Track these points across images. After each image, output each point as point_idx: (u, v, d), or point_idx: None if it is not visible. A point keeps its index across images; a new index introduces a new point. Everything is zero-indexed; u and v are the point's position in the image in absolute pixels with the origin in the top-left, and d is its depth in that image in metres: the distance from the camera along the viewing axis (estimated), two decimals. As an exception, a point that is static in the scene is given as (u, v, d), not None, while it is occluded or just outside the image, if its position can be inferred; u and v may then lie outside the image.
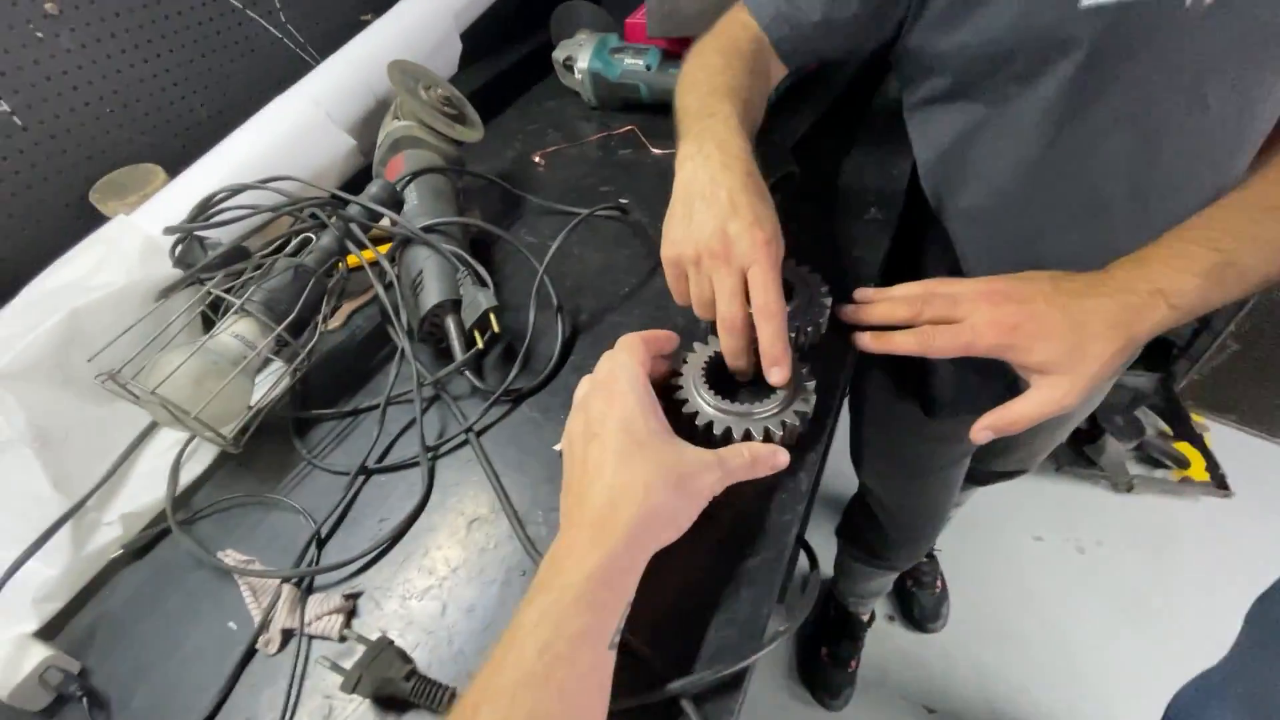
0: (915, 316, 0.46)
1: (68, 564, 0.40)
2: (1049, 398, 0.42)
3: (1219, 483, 1.48)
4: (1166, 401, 1.60)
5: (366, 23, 0.75)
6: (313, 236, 0.50)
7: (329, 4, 0.78)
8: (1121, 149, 0.50)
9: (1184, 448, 1.54)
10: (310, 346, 0.46)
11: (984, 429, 0.45)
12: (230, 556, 0.40)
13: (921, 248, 0.66)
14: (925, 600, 1.30)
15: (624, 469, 0.32)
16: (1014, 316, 0.42)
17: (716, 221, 0.40)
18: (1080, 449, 1.53)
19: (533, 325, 0.52)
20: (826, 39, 0.55)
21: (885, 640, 1.31)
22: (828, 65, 0.81)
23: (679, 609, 0.35)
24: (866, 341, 0.48)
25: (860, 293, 0.51)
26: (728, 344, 0.40)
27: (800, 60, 0.57)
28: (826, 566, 1.27)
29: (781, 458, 0.38)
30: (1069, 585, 1.36)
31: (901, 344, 0.46)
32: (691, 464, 0.34)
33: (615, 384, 0.35)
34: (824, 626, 1.28)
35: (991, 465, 0.96)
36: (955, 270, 0.62)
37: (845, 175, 0.68)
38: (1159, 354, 1.58)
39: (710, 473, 0.34)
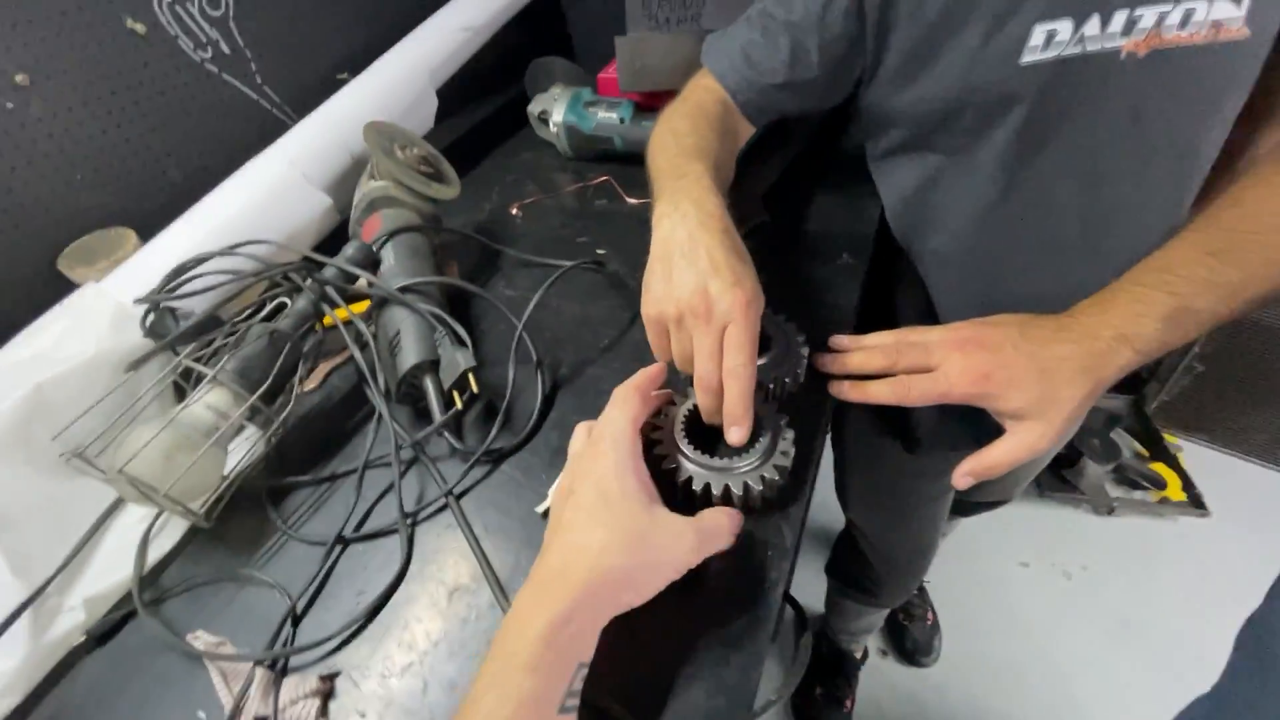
0: (891, 365, 0.47)
1: (26, 654, 0.38)
2: (1024, 442, 0.43)
3: (1196, 502, 1.50)
4: (1140, 423, 1.63)
5: (343, 82, 0.76)
6: (287, 300, 0.49)
7: (305, 65, 0.79)
8: (1071, 193, 0.52)
9: (1160, 468, 1.57)
10: (285, 413, 0.46)
11: (964, 475, 0.45)
12: (200, 638, 0.39)
13: (894, 287, 0.68)
14: (917, 633, 1.29)
15: (586, 530, 0.32)
16: (985, 365, 0.43)
17: (697, 280, 0.40)
18: (1060, 473, 1.55)
19: (512, 382, 0.51)
20: (789, 99, 0.57)
21: (879, 676, 1.29)
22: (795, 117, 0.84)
23: (664, 675, 0.35)
24: (845, 391, 0.48)
25: (835, 340, 0.51)
26: (704, 402, 0.40)
27: (766, 118, 0.59)
28: (817, 603, 1.26)
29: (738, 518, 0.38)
30: (1058, 612, 1.36)
31: (878, 394, 0.46)
32: (661, 531, 0.33)
33: (600, 441, 0.36)
34: (817, 665, 1.26)
35: (974, 496, 0.97)
36: (928, 307, 0.64)
37: (816, 222, 0.70)
38: (1130, 376, 1.62)
39: (681, 542, 0.33)
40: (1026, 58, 0.47)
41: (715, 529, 0.36)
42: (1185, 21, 0.45)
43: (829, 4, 0.52)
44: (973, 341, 0.45)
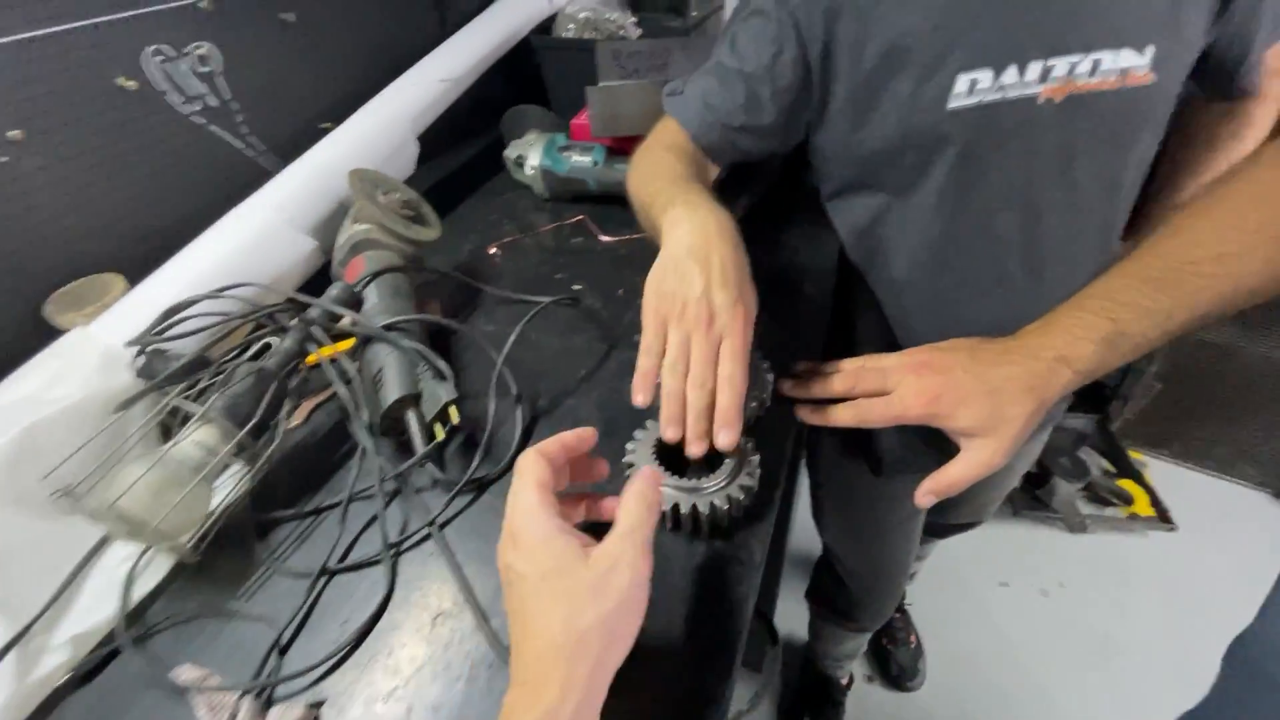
0: (850, 390, 0.50)
1: (9, 695, 0.38)
2: (977, 459, 0.46)
3: (1163, 516, 1.55)
4: (1106, 441, 1.69)
5: (326, 130, 0.79)
6: (273, 340, 0.51)
7: (290, 115, 0.82)
8: (1010, 226, 0.57)
9: (1127, 484, 1.62)
10: (271, 449, 0.47)
11: (925, 494, 0.48)
12: (186, 672, 0.40)
13: (855, 315, 0.71)
14: (902, 657, 1.30)
15: (541, 613, 0.30)
16: (936, 387, 0.46)
17: (705, 284, 0.43)
18: (1033, 493, 1.58)
19: (493, 414, 0.54)
20: (749, 141, 0.61)
21: (865, 701, 1.29)
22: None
23: (635, 692, 0.36)
24: (807, 415, 0.51)
25: (800, 365, 0.55)
26: (694, 402, 0.41)
27: (729, 159, 0.64)
28: (802, 629, 1.27)
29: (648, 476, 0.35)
30: (1038, 630, 1.38)
31: (840, 417, 0.49)
32: (604, 566, 0.31)
33: (510, 523, 0.34)
34: (804, 694, 1.26)
35: (946, 518, 1.00)
36: (887, 331, 0.68)
37: (781, 255, 0.74)
38: (1094, 395, 1.68)
39: (622, 558, 0.31)
40: (953, 104, 0.52)
41: (636, 517, 0.33)
42: (1095, 70, 0.50)
43: (778, 55, 0.57)
44: (925, 365, 0.48)
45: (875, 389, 0.49)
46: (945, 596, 1.44)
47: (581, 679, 0.28)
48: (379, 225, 0.66)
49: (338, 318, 0.54)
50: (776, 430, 0.52)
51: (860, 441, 0.75)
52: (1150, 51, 0.51)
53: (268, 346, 0.51)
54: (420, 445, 0.49)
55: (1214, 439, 1.60)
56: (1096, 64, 0.50)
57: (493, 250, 0.79)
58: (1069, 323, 0.46)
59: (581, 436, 0.38)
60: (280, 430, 0.48)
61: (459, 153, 1.02)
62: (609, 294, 0.70)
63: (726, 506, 0.41)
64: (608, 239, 0.79)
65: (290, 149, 0.77)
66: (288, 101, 0.82)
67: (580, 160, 0.84)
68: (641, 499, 0.34)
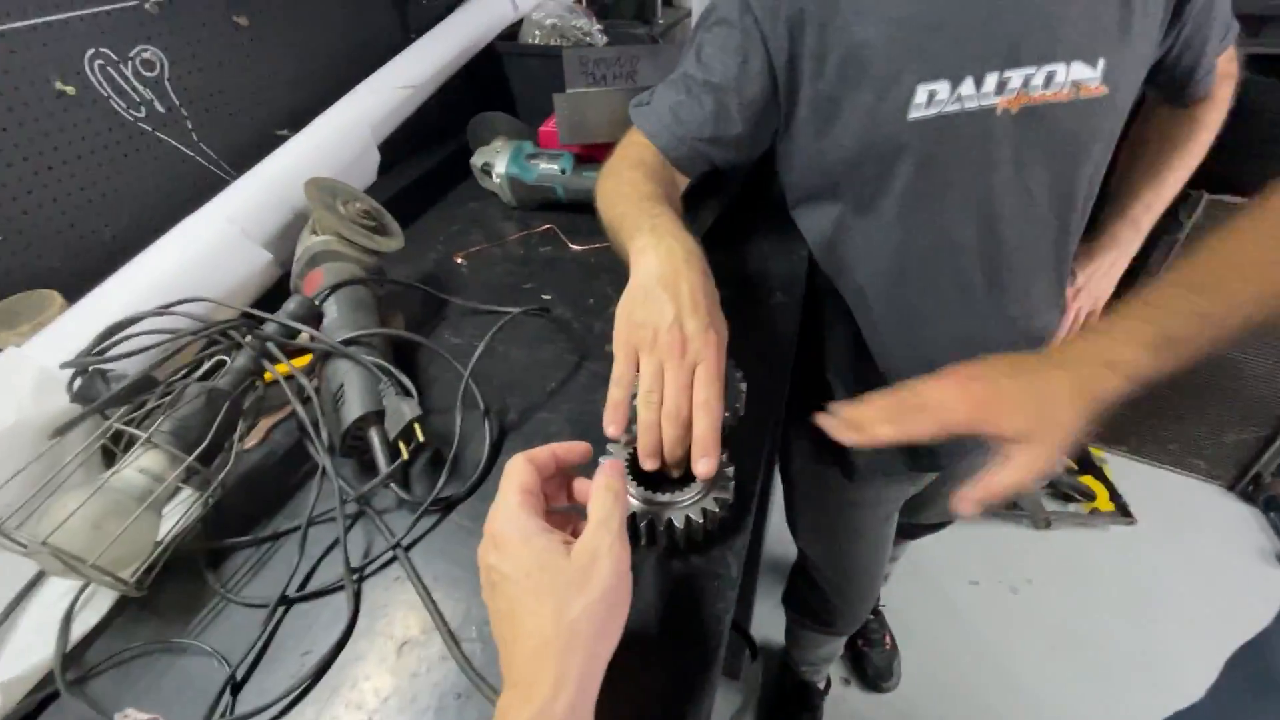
0: (901, 436, 0.44)
1: (-68, 749, 0.35)
2: (1025, 464, 0.42)
3: (1123, 510, 1.60)
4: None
5: (283, 138, 0.76)
6: (226, 358, 0.49)
7: (244, 121, 0.79)
8: (968, 235, 0.58)
9: (1088, 481, 1.66)
10: (224, 473, 0.45)
11: (970, 501, 0.43)
12: (130, 717, 0.37)
13: (825, 319, 0.72)
14: (877, 659, 1.31)
15: (530, 611, 0.30)
16: (981, 393, 0.44)
17: (676, 313, 0.42)
18: (998, 491, 1.62)
19: (460, 430, 0.52)
20: (718, 152, 0.61)
21: (842, 705, 1.30)
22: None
23: (616, 708, 0.35)
24: (843, 435, 0.45)
25: (839, 412, 0.46)
26: (669, 433, 0.41)
27: (699, 169, 0.63)
28: (779, 635, 1.27)
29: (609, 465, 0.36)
30: (1009, 627, 1.41)
31: (881, 435, 0.44)
32: (581, 558, 0.32)
33: (490, 524, 0.34)
34: (781, 700, 1.26)
35: (919, 519, 1.01)
36: (856, 338, 0.68)
37: (752, 263, 0.74)
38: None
39: (601, 548, 0.32)
40: (913, 115, 0.53)
41: (605, 508, 0.34)
42: (1049, 82, 0.51)
43: (744, 65, 0.56)
44: (966, 376, 0.45)
45: (920, 416, 0.44)
46: (918, 596, 1.46)
47: (574, 673, 0.28)
48: (339, 236, 0.63)
49: (295, 333, 0.52)
50: (751, 441, 0.51)
51: (833, 447, 0.75)
52: (1101, 64, 0.52)
53: (221, 364, 0.48)
54: (384, 465, 0.47)
55: (1168, 435, 1.66)
56: (1050, 75, 0.52)
57: (459, 260, 0.77)
58: (1114, 330, 0.45)
59: (572, 449, 0.39)
60: (234, 452, 0.46)
61: (423, 161, 1.00)
62: (579, 303, 0.69)
63: (701, 521, 0.40)
64: (577, 248, 0.78)
65: (245, 157, 0.74)
66: (241, 108, 0.79)
67: (548, 168, 0.82)
68: (609, 490, 0.35)
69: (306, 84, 0.86)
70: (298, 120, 0.79)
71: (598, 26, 1.07)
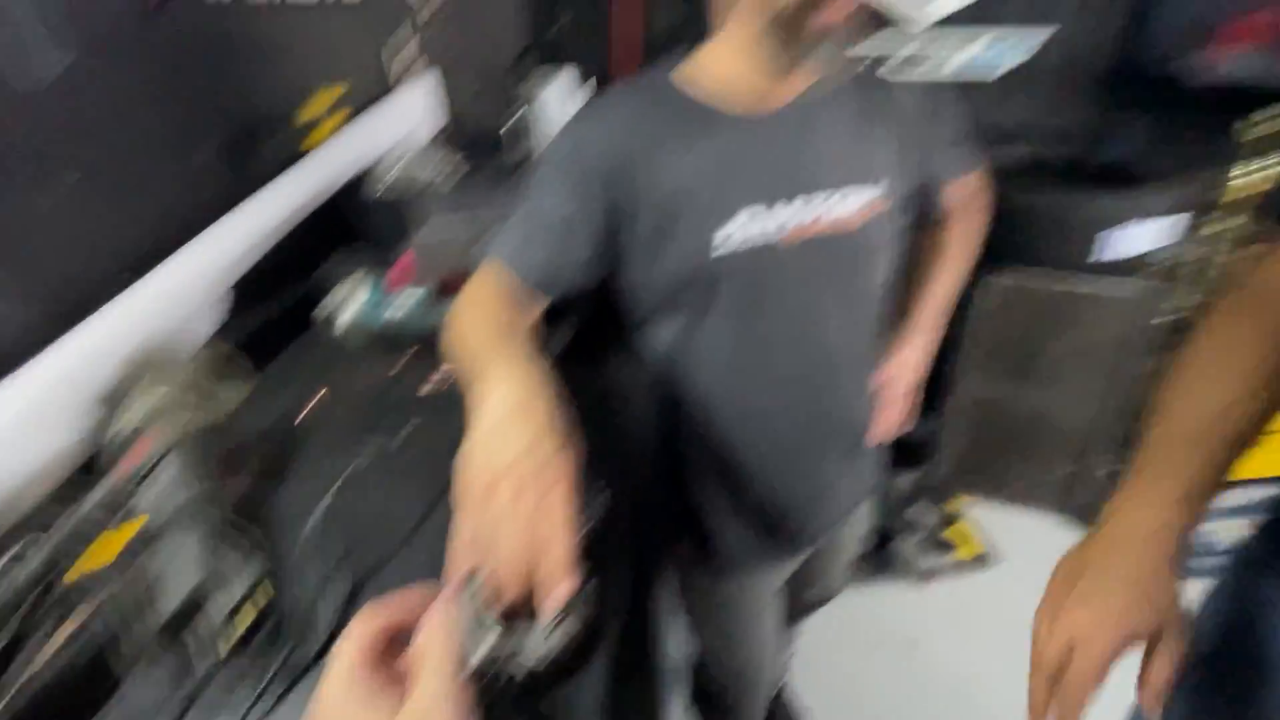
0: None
1: None
2: (1169, 646, 0.44)
3: (990, 554, 1.74)
4: (930, 493, 1.90)
5: (126, 281, 0.72)
6: (12, 566, 0.44)
7: (81, 267, 0.73)
8: (794, 339, 0.68)
9: (955, 531, 1.81)
10: (9, 698, 0.39)
11: (1153, 699, 0.44)
12: None
13: (679, 427, 0.76)
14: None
15: None
16: (1095, 617, 0.45)
17: (533, 439, 0.43)
18: (877, 555, 1.72)
19: (307, 587, 0.49)
20: (570, 274, 0.66)
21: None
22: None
23: None
24: None
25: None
26: (516, 575, 0.40)
27: (555, 293, 0.67)
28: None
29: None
30: (915, 687, 1.45)
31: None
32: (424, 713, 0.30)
33: (324, 700, 0.32)
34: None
35: (802, 597, 1.04)
36: (711, 441, 0.73)
37: (603, 381, 0.78)
38: (908, 454, 1.90)
39: (435, 694, 0.31)
40: (716, 252, 0.62)
41: (435, 657, 0.32)
42: (844, 201, 0.64)
43: (586, 199, 0.63)
44: (1065, 611, 0.47)
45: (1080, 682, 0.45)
46: (828, 670, 1.48)
47: None
48: (177, 391, 0.61)
49: (103, 522, 0.48)
50: (615, 551, 0.53)
51: (699, 545, 0.78)
52: (884, 183, 0.66)
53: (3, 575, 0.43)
54: (209, 655, 0.43)
55: (1018, 478, 1.87)
56: (845, 196, 0.64)
57: (310, 403, 0.76)
58: (1148, 495, 0.47)
59: (426, 595, 0.37)
60: (26, 672, 0.40)
61: (275, 301, 0.98)
62: (435, 443, 0.68)
63: (559, 649, 0.40)
64: (429, 386, 0.78)
65: (79, 305, 0.69)
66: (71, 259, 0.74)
67: (402, 305, 0.84)
68: (439, 631, 0.33)
69: (151, 226, 0.82)
70: (143, 262, 0.75)
71: (454, 158, 1.14)
